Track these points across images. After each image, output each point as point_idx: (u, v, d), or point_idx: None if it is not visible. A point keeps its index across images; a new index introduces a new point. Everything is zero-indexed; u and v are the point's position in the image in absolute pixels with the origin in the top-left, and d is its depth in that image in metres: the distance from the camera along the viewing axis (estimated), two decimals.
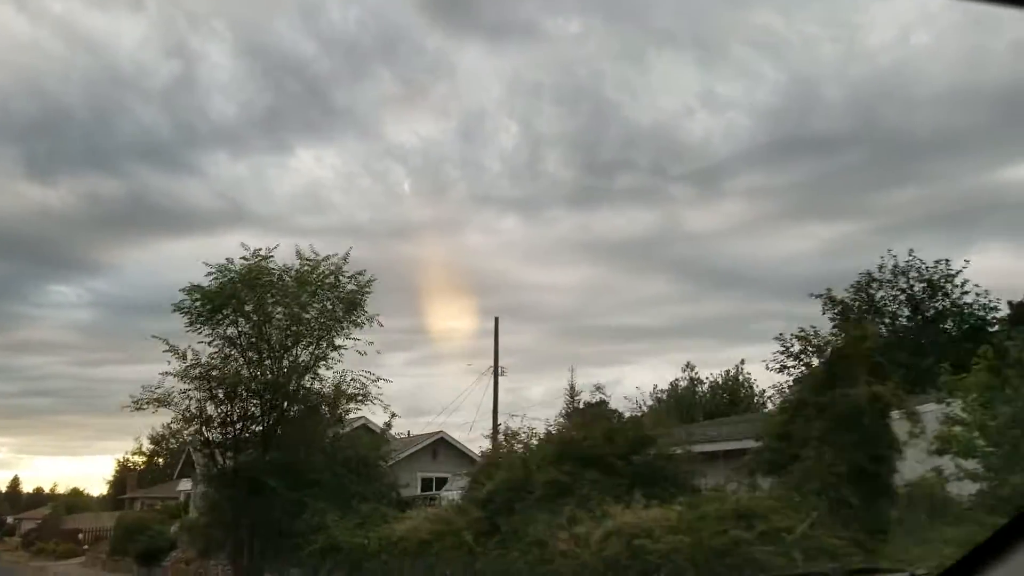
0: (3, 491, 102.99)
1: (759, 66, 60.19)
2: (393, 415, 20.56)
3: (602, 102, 65.51)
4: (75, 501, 71.26)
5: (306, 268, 19.97)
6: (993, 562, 1.78)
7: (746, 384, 39.95)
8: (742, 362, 41.12)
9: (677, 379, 40.94)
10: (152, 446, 72.81)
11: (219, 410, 18.96)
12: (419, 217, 67.82)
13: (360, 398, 19.74)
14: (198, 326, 19.09)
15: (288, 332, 19.59)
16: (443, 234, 62.57)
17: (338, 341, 19.93)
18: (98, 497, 74.43)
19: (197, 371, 18.49)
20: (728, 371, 40.68)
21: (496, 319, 38.11)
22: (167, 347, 18.47)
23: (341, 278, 20.14)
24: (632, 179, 66.33)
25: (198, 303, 18.96)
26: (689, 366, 41.24)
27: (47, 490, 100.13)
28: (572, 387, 44.85)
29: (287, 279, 19.74)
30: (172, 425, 18.56)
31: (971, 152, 53.28)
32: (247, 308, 19.25)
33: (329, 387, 19.67)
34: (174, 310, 19.04)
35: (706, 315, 68.81)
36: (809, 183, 59.60)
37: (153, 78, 62.75)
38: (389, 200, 69.49)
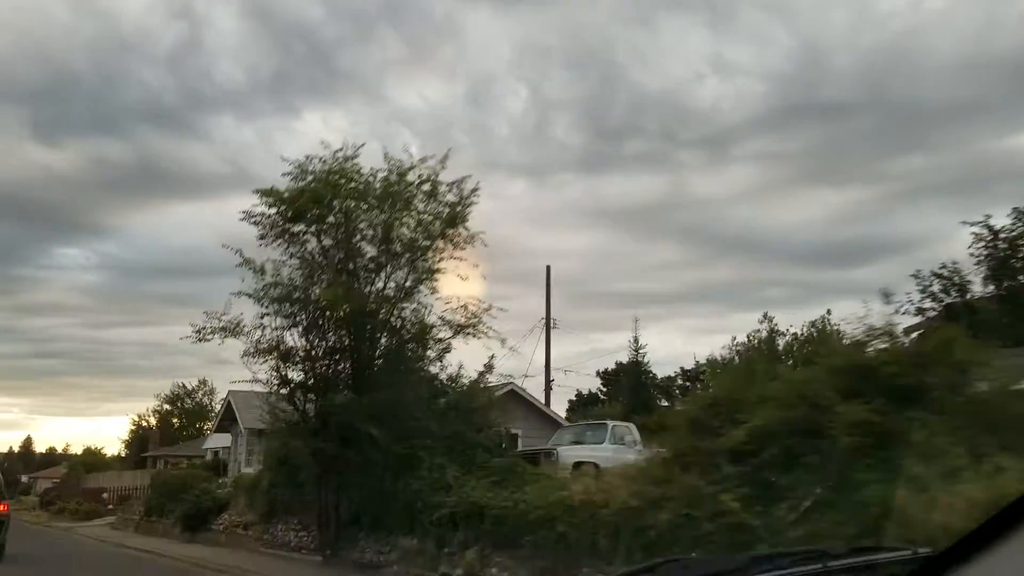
0: (16, 451, 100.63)
1: (770, 30, 55.96)
2: (500, 355, 16.77)
3: (612, 67, 61.37)
4: (93, 460, 68.19)
5: (394, 175, 16.08)
6: (1000, 540, 1.52)
7: (835, 335, 36.49)
8: (828, 312, 37.64)
9: (757, 330, 37.94)
10: (167, 406, 69.60)
11: (301, 342, 15.19)
12: None
13: (469, 330, 15.98)
14: (272, 239, 15.30)
15: (381, 248, 15.81)
16: None
17: (439, 264, 16.16)
18: (116, 456, 71.30)
19: (277, 291, 14.67)
20: (812, 322, 37.34)
21: (548, 267, 34.34)
22: (241, 260, 14.65)
23: (439, 186, 16.28)
24: (641, 144, 62.88)
25: (273, 210, 15.13)
26: (767, 317, 38.27)
27: (59, 450, 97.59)
28: (636, 339, 41.83)
29: (375, 184, 15.89)
30: (247, 357, 14.52)
31: (981, 119, 49.53)
32: (331, 219, 15.42)
33: (432, 315, 15.92)
34: (243, 218, 15.23)
35: (715, 281, 66.29)
36: (818, 149, 55.99)
37: (159, 41, 58.73)
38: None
